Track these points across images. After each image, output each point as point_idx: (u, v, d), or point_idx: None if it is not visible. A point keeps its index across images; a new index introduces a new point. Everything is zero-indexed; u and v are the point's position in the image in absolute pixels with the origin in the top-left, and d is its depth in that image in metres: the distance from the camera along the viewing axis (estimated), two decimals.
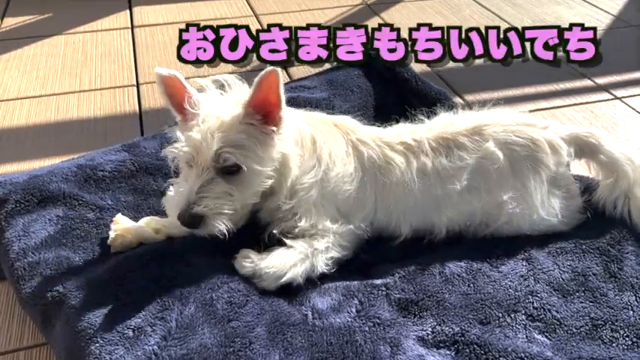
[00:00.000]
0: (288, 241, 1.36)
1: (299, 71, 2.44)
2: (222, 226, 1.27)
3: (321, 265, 1.35)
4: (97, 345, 1.16)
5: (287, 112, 1.34)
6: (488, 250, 1.42)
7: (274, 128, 1.31)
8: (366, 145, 1.45)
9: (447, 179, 1.42)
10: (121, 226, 1.43)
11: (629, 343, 1.22)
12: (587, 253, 1.40)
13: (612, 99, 2.35)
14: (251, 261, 1.33)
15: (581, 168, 1.64)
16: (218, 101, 1.35)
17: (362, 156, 1.43)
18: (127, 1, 3.15)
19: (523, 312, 1.27)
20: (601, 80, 2.47)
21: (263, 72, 1.23)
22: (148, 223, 1.45)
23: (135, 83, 2.40)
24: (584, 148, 1.52)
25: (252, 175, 1.31)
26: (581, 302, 1.30)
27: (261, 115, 1.30)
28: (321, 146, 1.41)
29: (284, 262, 1.32)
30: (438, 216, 1.43)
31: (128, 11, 3.05)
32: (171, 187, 1.38)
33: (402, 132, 1.49)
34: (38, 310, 1.31)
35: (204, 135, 1.25)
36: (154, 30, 2.86)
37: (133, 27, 2.89)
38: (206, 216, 1.25)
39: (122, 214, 1.49)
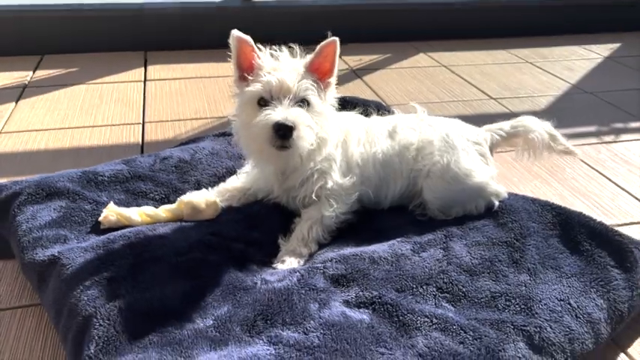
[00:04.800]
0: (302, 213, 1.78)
1: None
2: (306, 144, 1.62)
3: (330, 225, 1.77)
4: (78, 290, 1.43)
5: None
6: (414, 241, 1.69)
7: (326, 88, 1.71)
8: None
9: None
10: (112, 208, 1.74)
11: (518, 309, 1.45)
12: (497, 245, 1.67)
13: None
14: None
15: None
16: (280, 61, 1.68)
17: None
18: (143, 60, 3.63)
19: (434, 285, 1.52)
20: None
21: (325, 41, 1.63)
22: (136, 210, 1.77)
23: (141, 122, 2.78)
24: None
25: (318, 114, 1.68)
26: (485, 281, 1.55)
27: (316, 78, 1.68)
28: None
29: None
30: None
31: (143, 68, 3.51)
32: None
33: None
34: (36, 272, 1.59)
35: (286, 73, 1.62)
36: (164, 83, 3.29)
37: (145, 80, 3.33)
38: (296, 128, 1.58)
39: None
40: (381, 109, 2.50)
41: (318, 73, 1.69)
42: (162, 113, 2.90)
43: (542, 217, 1.77)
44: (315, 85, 1.67)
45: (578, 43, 4.33)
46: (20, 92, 3.09)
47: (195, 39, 3.87)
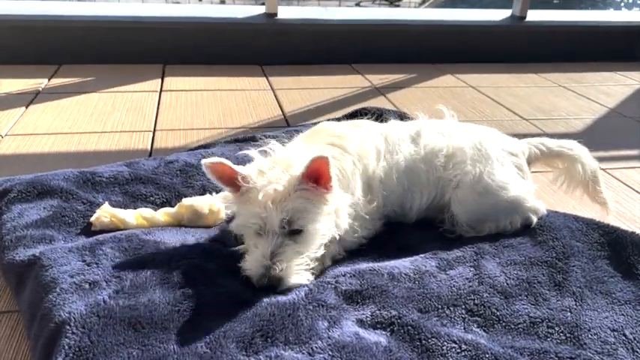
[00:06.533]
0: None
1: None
2: (301, 280, 1.38)
3: (351, 241, 1.55)
4: (55, 294, 1.26)
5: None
6: (441, 258, 1.48)
7: (326, 192, 1.41)
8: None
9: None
10: (106, 209, 1.57)
11: (563, 338, 1.23)
12: (536, 265, 1.45)
13: None
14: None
15: None
16: (268, 171, 1.40)
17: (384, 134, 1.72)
18: (161, 72, 3.54)
19: (463, 307, 1.31)
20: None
21: (314, 157, 1.33)
22: (132, 213, 1.60)
23: (152, 129, 2.65)
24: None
25: (315, 233, 1.41)
26: (523, 304, 1.33)
27: (314, 181, 1.39)
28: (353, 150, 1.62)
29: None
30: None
31: (160, 80, 3.41)
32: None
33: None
34: (15, 273, 1.42)
35: (268, 208, 1.35)
36: (180, 94, 3.17)
37: (161, 91, 3.22)
38: (283, 277, 1.35)
39: None
40: (403, 117, 2.33)
41: (315, 178, 1.39)
42: (175, 122, 2.76)
43: (587, 236, 1.56)
44: (310, 195, 1.39)
45: (612, 69, 4.13)
46: (32, 98, 3.00)
47: (217, 54, 3.78)
